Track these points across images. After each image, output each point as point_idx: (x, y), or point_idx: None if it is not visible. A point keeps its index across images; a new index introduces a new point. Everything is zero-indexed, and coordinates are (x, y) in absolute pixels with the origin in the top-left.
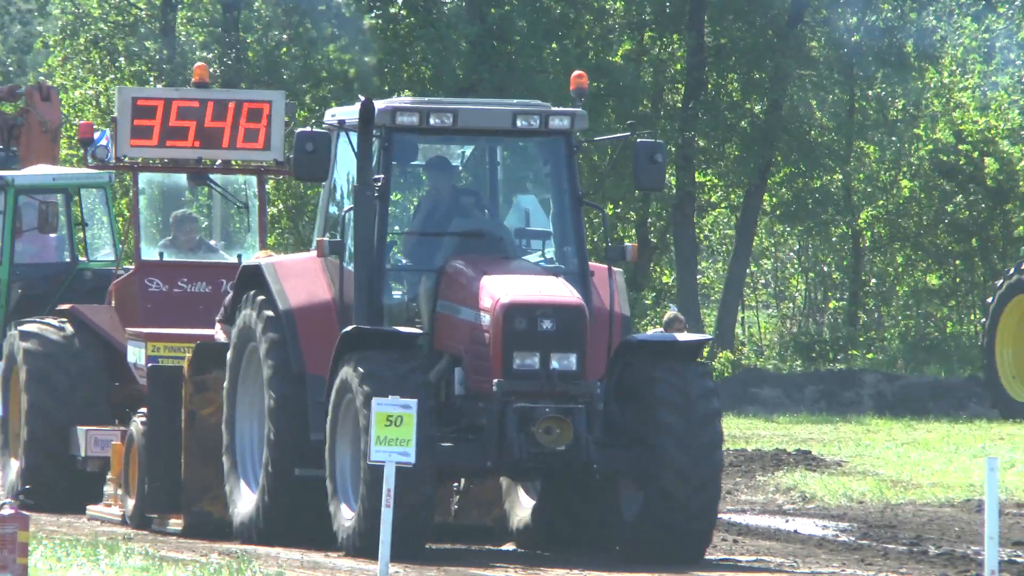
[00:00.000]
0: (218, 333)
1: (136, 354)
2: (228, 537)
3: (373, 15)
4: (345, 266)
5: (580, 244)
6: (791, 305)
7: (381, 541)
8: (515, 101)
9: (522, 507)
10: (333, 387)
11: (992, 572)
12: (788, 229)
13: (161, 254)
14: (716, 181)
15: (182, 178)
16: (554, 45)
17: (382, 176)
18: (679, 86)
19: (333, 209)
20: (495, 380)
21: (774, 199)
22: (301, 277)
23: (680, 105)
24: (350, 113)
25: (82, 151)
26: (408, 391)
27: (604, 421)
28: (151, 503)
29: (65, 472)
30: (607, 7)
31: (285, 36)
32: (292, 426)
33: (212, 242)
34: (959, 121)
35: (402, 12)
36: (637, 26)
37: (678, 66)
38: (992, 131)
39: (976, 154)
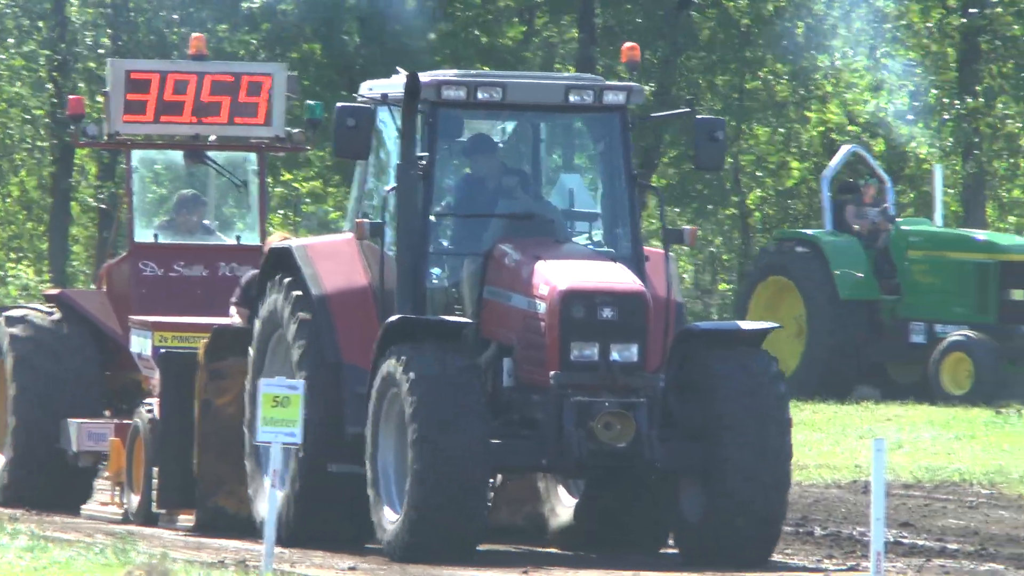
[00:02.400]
0: (234, 317)
1: (141, 344)
2: (244, 534)
3: None
4: (386, 249)
5: (635, 227)
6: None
7: (267, 523)
8: (565, 75)
9: (563, 506)
10: (376, 380)
11: (878, 553)
12: (677, 211)
13: (156, 236)
14: None
15: (178, 155)
16: (442, 27)
17: (426, 154)
18: (570, 68)
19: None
20: (551, 372)
21: (663, 181)
22: (335, 260)
23: None
24: (393, 87)
25: (72, 127)
26: (459, 385)
27: (664, 416)
28: (162, 499)
29: (54, 467)
30: None
31: (176, 16)
32: (325, 414)
33: (206, 223)
34: (850, 103)
35: None
36: (528, 9)
37: (568, 49)
38: (882, 113)
39: (866, 135)
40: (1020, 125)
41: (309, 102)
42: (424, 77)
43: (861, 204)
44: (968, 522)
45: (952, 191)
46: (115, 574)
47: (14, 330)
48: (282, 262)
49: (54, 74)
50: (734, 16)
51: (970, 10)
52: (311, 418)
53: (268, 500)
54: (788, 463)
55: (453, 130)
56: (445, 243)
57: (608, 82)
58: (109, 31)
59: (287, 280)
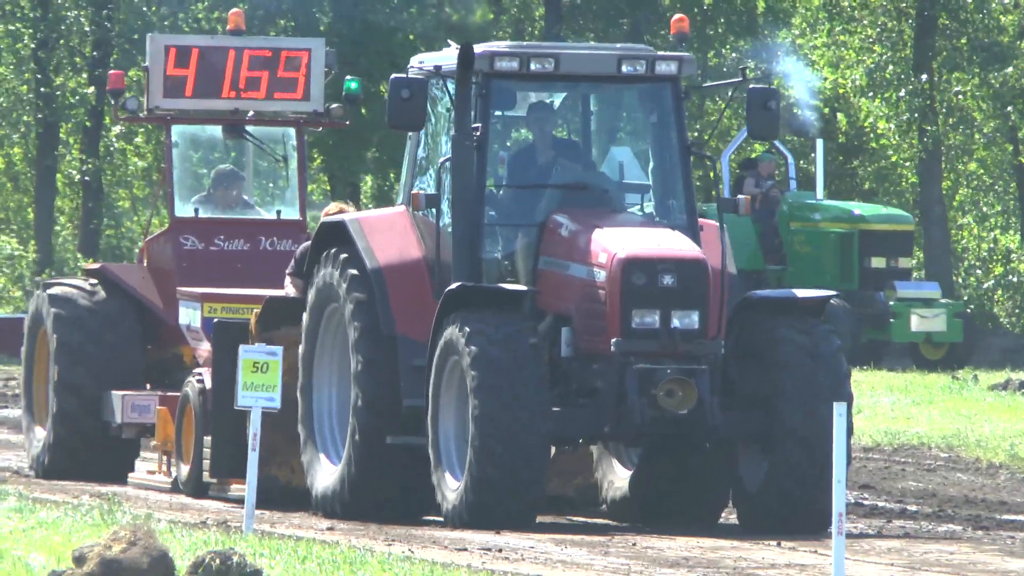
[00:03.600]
0: (288, 287)
1: (190, 315)
2: (296, 504)
3: None
4: (442, 220)
5: (689, 198)
6: None
7: (248, 483)
8: (618, 45)
9: (618, 477)
10: (436, 349)
11: (840, 514)
12: None
13: (196, 210)
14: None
15: (217, 130)
16: (413, 10)
17: (479, 125)
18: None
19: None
20: (613, 340)
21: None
22: (389, 233)
23: None
24: (446, 59)
25: (112, 102)
26: (520, 352)
27: (724, 384)
28: (214, 468)
29: (96, 440)
30: None
31: None
32: (382, 391)
33: (245, 197)
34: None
35: None
36: None
37: (535, 29)
38: (841, 88)
39: (827, 111)
40: (975, 100)
41: (347, 78)
42: (477, 48)
43: (759, 178)
44: (927, 484)
45: (909, 164)
46: (101, 533)
47: (57, 310)
48: (335, 235)
49: (38, 52)
50: None
51: None
52: (368, 397)
53: (248, 464)
54: (849, 429)
55: (506, 101)
56: (498, 214)
57: (660, 52)
58: (90, 9)
59: (341, 255)
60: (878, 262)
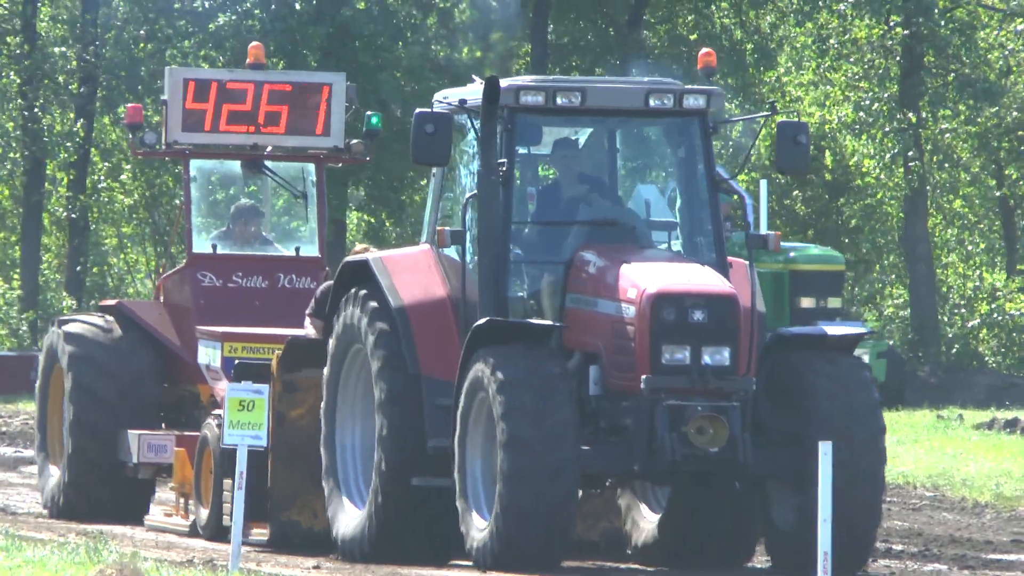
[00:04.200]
0: (308, 328)
1: (209, 355)
2: (317, 548)
3: (228, 14)
4: (467, 257)
5: (718, 234)
6: None
7: (233, 522)
8: (645, 79)
9: (647, 520)
10: (464, 386)
11: (825, 553)
12: None
13: (215, 246)
14: None
15: (235, 165)
16: (400, 46)
17: (504, 160)
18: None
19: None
20: (643, 376)
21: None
22: (413, 272)
23: None
24: (471, 93)
25: (131, 136)
26: (550, 389)
27: (755, 421)
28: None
29: (112, 480)
30: (453, 8)
31: (142, 32)
32: (407, 424)
33: (264, 233)
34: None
35: (256, 11)
36: (483, 26)
37: (522, 64)
38: (827, 125)
39: (813, 148)
40: (961, 138)
41: (368, 112)
42: (503, 82)
43: None
44: (912, 524)
45: (894, 202)
46: (87, 572)
47: (72, 348)
48: (357, 275)
49: (24, 89)
50: (682, 32)
51: (910, 26)
52: (393, 430)
53: (233, 503)
54: (882, 469)
55: (532, 136)
56: (523, 251)
57: (688, 86)
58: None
59: (363, 293)
60: (807, 302)
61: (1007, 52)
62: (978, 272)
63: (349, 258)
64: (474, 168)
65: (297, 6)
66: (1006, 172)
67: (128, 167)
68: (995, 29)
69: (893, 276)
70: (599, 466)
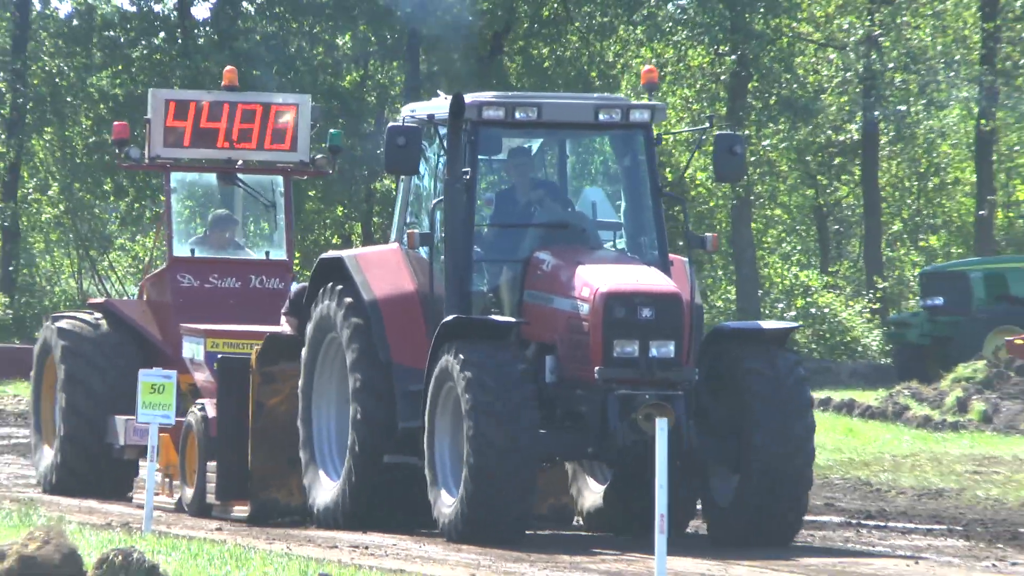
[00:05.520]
0: (284, 325)
1: (193, 349)
2: (294, 522)
3: (139, 46)
4: (434, 257)
5: (661, 236)
6: None
7: (147, 490)
8: (594, 95)
9: (591, 491)
10: (432, 375)
11: (661, 516)
12: None
13: (193, 250)
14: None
15: (212, 177)
16: (290, 74)
17: (468, 169)
18: (398, 106)
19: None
20: (596, 368)
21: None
22: (383, 268)
23: None
24: (438, 108)
25: (117, 151)
26: (511, 379)
27: (697, 408)
28: (220, 491)
29: (100, 460)
30: (338, 41)
31: (64, 65)
32: (379, 409)
33: (237, 239)
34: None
35: (163, 44)
36: (363, 57)
37: (397, 90)
38: (664, 143)
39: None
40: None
41: (331, 130)
42: (467, 99)
43: None
44: None
45: (723, 209)
46: (19, 534)
47: (65, 342)
48: (332, 271)
49: None
50: (537, 60)
51: (737, 55)
52: (367, 415)
53: (148, 473)
54: (811, 453)
55: (492, 147)
56: (489, 251)
57: (634, 102)
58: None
59: (339, 288)
60: None
61: (822, 77)
62: (793, 271)
63: (324, 255)
64: (440, 174)
65: (200, 41)
66: (821, 182)
67: (55, 183)
68: (811, 57)
69: (721, 273)
70: (556, 449)
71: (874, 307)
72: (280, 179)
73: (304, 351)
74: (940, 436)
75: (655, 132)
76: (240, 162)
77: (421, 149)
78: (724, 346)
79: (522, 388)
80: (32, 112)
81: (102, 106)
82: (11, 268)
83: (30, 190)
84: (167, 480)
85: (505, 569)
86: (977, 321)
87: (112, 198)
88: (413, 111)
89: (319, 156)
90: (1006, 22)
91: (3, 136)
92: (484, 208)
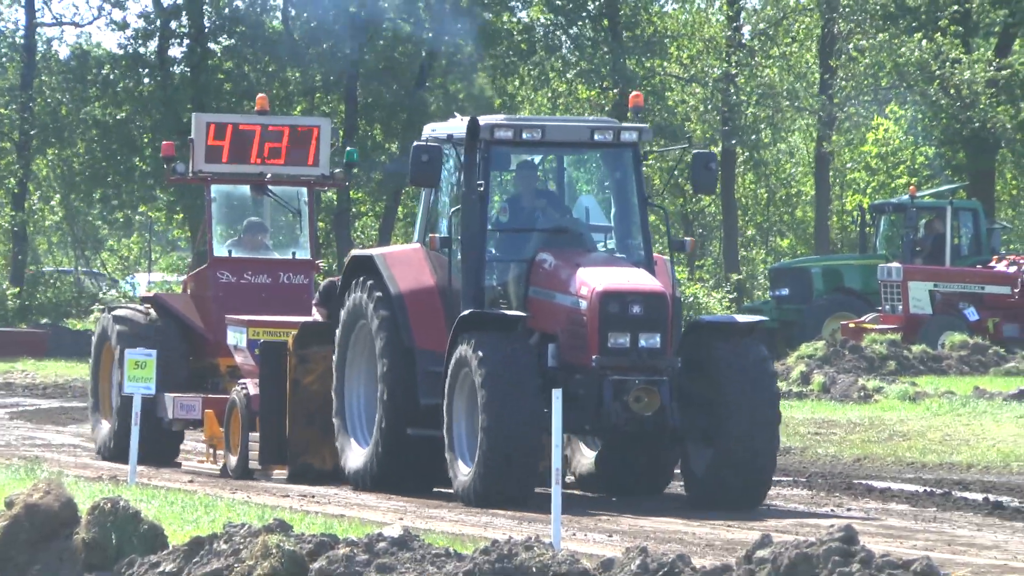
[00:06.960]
0: (316, 315)
1: (236, 337)
2: (327, 483)
3: (125, 81)
4: (452, 257)
5: (647, 239)
6: None
7: (131, 450)
8: (590, 118)
9: (584, 456)
10: (451, 361)
11: (557, 470)
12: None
13: (230, 252)
14: (366, 197)
15: (246, 189)
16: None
17: (482, 182)
18: (340, 131)
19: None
20: (593, 356)
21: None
22: (408, 265)
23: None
24: (455, 128)
25: (165, 166)
26: (519, 365)
27: (679, 391)
28: (263, 457)
29: (152, 431)
30: (288, 76)
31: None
32: (403, 389)
33: (268, 242)
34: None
35: (146, 79)
36: (309, 90)
37: (339, 119)
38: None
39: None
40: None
41: (348, 148)
42: (481, 121)
43: None
44: None
45: None
46: (25, 485)
47: (120, 327)
48: (362, 266)
49: None
50: (452, 91)
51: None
52: (393, 395)
53: (132, 437)
54: (777, 429)
55: (502, 162)
56: (495, 252)
57: (623, 124)
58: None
59: (369, 282)
60: None
61: (688, 108)
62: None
63: (356, 251)
64: (457, 185)
65: (175, 70)
66: (688, 194)
67: (56, 195)
68: (679, 93)
69: None
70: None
71: (731, 296)
72: (304, 190)
73: (338, 332)
74: (787, 403)
75: (641, 150)
76: (269, 175)
77: (442, 165)
78: (701, 336)
79: (527, 372)
80: (37, 137)
81: (95, 132)
82: (19, 263)
83: (35, 201)
84: (211, 450)
85: (427, 514)
86: (817, 308)
87: (100, 206)
88: (434, 129)
89: (337, 171)
90: (840, 63)
91: (13, 156)
92: (500, 215)
